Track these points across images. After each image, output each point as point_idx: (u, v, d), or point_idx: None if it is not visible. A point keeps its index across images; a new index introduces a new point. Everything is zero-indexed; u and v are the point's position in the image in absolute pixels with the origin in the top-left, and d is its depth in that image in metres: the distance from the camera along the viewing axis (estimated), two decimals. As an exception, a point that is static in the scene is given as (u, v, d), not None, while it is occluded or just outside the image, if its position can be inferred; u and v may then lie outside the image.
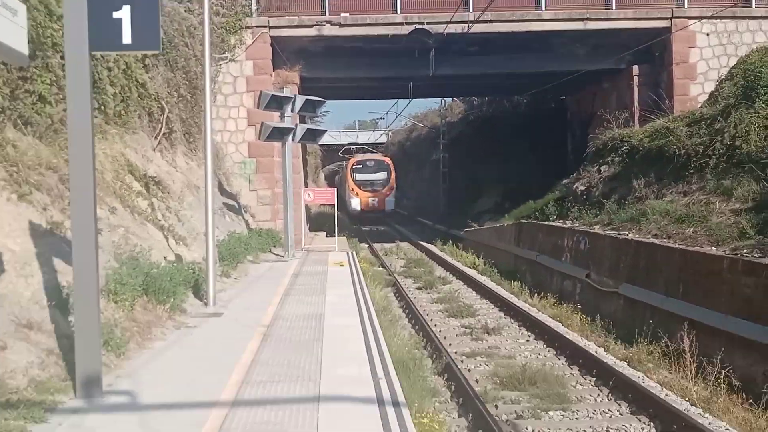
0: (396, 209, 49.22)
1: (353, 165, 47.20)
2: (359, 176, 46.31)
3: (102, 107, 11.95)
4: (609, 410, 9.41)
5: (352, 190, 46.16)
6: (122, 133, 12.81)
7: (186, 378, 7.09)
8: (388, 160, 47.98)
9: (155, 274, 9.59)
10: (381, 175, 46.29)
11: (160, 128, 15.15)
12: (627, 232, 15.99)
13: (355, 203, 45.74)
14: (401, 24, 23.14)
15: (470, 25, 22.91)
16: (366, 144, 65.41)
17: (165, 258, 11.40)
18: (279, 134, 18.55)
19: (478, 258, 25.85)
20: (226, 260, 14.42)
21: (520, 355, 12.65)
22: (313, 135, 20.21)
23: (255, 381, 6.96)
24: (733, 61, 21.62)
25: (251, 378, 7.06)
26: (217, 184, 19.25)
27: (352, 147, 65.89)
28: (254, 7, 23.02)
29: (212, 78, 19.88)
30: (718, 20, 23.46)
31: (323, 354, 8.05)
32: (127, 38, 6.54)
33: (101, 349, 6.57)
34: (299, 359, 7.81)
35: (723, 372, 10.08)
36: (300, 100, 18.86)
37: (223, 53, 22.28)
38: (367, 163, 47.31)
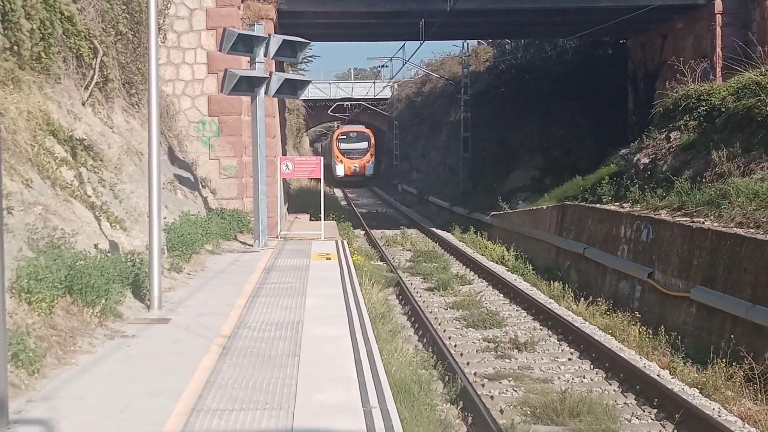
0: (375, 175, 70.19)
1: (338, 136, 68.84)
2: (343, 145, 68.31)
3: (14, 47, 11.86)
4: (673, 452, 9.46)
5: (337, 157, 68.62)
6: (42, 82, 12.74)
7: (119, 403, 7.08)
8: (368, 131, 69.33)
9: (82, 267, 9.57)
10: (362, 145, 68.19)
11: (92, 76, 15.11)
12: (703, 220, 16.02)
13: (340, 169, 68.71)
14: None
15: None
16: (364, 99, 65.47)
17: (96, 246, 11.39)
18: (248, 86, 18.48)
19: (508, 250, 25.99)
20: (177, 250, 14.46)
21: (559, 378, 12.71)
22: (293, 87, 20.08)
23: (209, 409, 6.96)
24: None
25: (204, 405, 7.07)
26: (167, 150, 19.24)
27: (345, 103, 65.89)
28: None
29: (161, 10, 19.83)
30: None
31: (299, 374, 8.05)
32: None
33: (8, 365, 6.55)
34: (268, 380, 7.82)
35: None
36: (276, 41, 18.75)
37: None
38: (350, 134, 68.74)
